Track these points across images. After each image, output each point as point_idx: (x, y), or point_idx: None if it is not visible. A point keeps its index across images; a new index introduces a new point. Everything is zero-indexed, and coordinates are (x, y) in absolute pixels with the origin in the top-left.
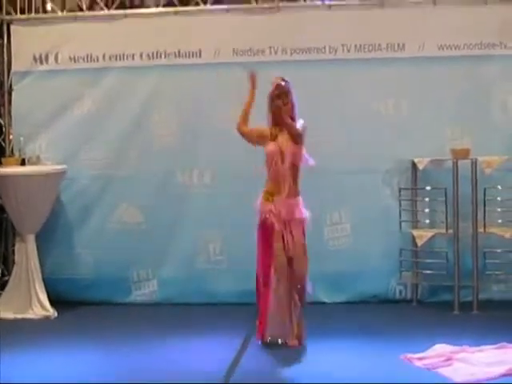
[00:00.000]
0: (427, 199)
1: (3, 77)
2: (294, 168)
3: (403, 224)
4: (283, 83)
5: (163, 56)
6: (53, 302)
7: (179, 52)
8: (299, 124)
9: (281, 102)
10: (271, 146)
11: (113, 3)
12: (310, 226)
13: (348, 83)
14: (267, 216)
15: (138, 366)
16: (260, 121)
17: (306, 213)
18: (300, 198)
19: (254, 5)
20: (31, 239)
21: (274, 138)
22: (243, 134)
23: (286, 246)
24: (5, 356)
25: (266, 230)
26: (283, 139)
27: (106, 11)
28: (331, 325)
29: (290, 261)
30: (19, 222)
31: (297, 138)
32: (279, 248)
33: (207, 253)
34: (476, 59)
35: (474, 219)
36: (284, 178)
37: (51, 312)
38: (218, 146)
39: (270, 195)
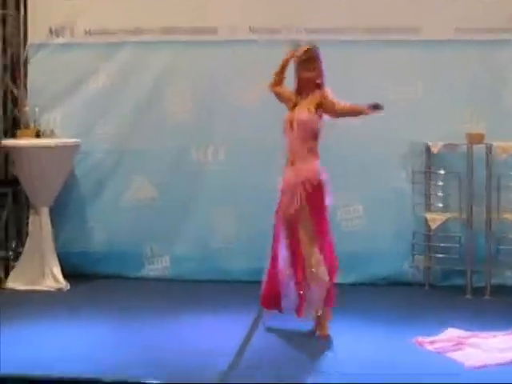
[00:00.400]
0: (441, 183)
1: (19, 49)
2: (306, 136)
3: (417, 207)
4: (312, 48)
5: (179, 32)
6: (66, 275)
7: (195, 28)
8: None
9: (307, 69)
10: (285, 116)
11: None
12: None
13: (363, 65)
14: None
15: (148, 341)
16: None
17: (321, 176)
18: (315, 163)
19: None
20: (45, 212)
21: (294, 105)
22: (275, 94)
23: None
24: (16, 327)
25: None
26: (301, 108)
27: None
28: (343, 306)
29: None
30: (33, 195)
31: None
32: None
33: (220, 230)
34: (490, 44)
35: (488, 204)
36: (293, 147)
37: (64, 284)
38: (232, 123)
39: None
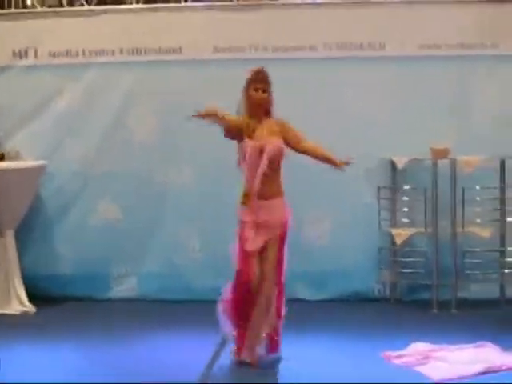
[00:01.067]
0: (406, 198)
1: None
2: (274, 166)
3: (382, 223)
4: (263, 69)
5: (143, 52)
6: (32, 298)
7: (160, 48)
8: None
9: (261, 90)
10: (250, 144)
11: None
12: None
13: (329, 82)
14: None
15: (116, 363)
16: None
17: (288, 215)
18: (283, 199)
19: (234, 2)
20: (10, 234)
21: (251, 132)
22: (230, 137)
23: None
24: None
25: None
26: (262, 134)
27: (86, 7)
28: (310, 322)
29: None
30: None
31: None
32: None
33: (186, 249)
34: (457, 59)
35: (453, 218)
36: (263, 177)
37: (29, 308)
38: (197, 143)
39: (246, 198)
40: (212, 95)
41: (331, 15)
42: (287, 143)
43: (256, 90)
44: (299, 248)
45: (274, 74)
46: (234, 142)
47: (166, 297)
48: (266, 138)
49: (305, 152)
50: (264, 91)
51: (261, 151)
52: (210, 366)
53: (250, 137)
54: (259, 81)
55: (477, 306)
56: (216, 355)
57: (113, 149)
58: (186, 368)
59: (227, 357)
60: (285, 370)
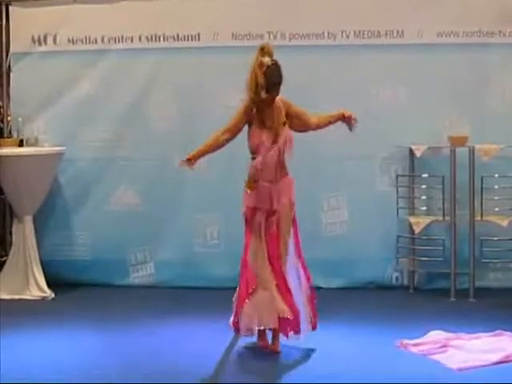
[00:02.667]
0: (424, 186)
1: (1, 58)
2: (281, 154)
3: (400, 211)
4: (279, 68)
5: (162, 39)
6: (50, 284)
7: (178, 35)
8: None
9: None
10: (261, 136)
11: None
12: (307, 212)
13: (347, 69)
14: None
15: (134, 348)
16: None
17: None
18: (289, 177)
19: None
20: (29, 220)
21: (259, 116)
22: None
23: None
24: (2, 336)
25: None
26: (273, 123)
27: None
28: (327, 310)
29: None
30: (17, 204)
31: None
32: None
33: (204, 236)
34: (475, 47)
35: (471, 207)
36: (275, 164)
37: (48, 293)
38: (215, 129)
39: (255, 183)
40: (230, 82)
41: (350, 3)
42: (296, 125)
43: (261, 64)
44: (317, 236)
45: (291, 61)
46: None
47: (183, 284)
48: (277, 128)
49: (317, 128)
50: (276, 92)
51: (273, 142)
52: (226, 356)
53: (258, 122)
54: (276, 84)
55: (495, 294)
56: (233, 343)
57: (131, 135)
58: (203, 356)
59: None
60: (300, 358)
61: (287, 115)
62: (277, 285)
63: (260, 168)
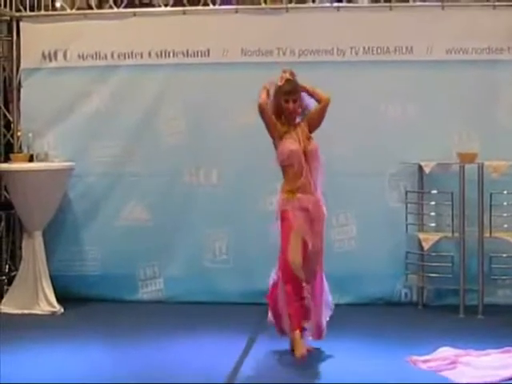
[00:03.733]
0: (433, 203)
1: (12, 73)
2: (314, 165)
3: (409, 227)
4: (293, 79)
5: (171, 55)
6: (59, 299)
7: (187, 51)
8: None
9: (292, 101)
10: (292, 145)
11: (122, 2)
12: None
13: (356, 85)
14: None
15: (142, 364)
16: None
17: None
18: (320, 193)
19: (262, 5)
20: (38, 235)
21: (282, 133)
22: (264, 112)
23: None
24: (10, 351)
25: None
26: (299, 136)
27: (115, 9)
28: (336, 326)
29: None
30: (27, 219)
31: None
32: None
33: (213, 252)
34: (484, 64)
35: (480, 223)
36: (307, 176)
37: (57, 308)
38: (225, 145)
39: (292, 193)
40: (240, 98)
41: (359, 19)
42: (314, 123)
43: (287, 101)
44: (326, 252)
45: (300, 77)
46: (265, 145)
47: (192, 299)
48: (305, 141)
49: (321, 110)
50: (294, 101)
51: (304, 153)
52: (235, 370)
53: (280, 138)
54: (289, 92)
55: (504, 311)
56: (242, 358)
57: (140, 150)
58: (212, 371)
59: (254, 359)
60: (308, 374)
61: (309, 124)
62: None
63: (294, 179)
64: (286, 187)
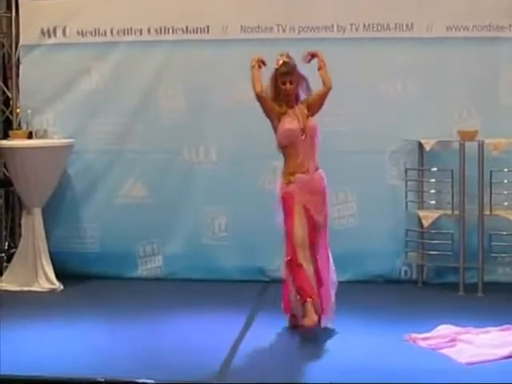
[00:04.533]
0: (433, 180)
1: (11, 50)
2: (313, 143)
3: (409, 204)
4: (289, 61)
5: (171, 31)
6: (59, 276)
7: (187, 28)
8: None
9: (288, 82)
10: (292, 124)
11: None
12: None
13: (356, 62)
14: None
15: (143, 341)
16: None
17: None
18: (320, 172)
19: None
20: (38, 212)
21: (280, 114)
22: (262, 99)
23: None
24: (9, 328)
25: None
26: (296, 116)
27: None
28: (336, 303)
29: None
30: (26, 196)
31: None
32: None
33: (212, 229)
34: (485, 41)
35: (481, 201)
36: (306, 153)
37: (57, 285)
38: (224, 122)
39: (292, 175)
40: (239, 75)
41: None
42: (315, 107)
43: (284, 83)
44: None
45: (300, 54)
46: (265, 123)
47: (191, 276)
48: (304, 120)
49: (327, 85)
50: (291, 82)
51: (302, 131)
52: (234, 349)
53: (279, 119)
54: (285, 74)
55: (503, 289)
56: (241, 335)
57: (140, 128)
58: (211, 348)
59: (253, 336)
60: (308, 352)
61: (309, 108)
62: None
63: (294, 158)
64: (286, 170)
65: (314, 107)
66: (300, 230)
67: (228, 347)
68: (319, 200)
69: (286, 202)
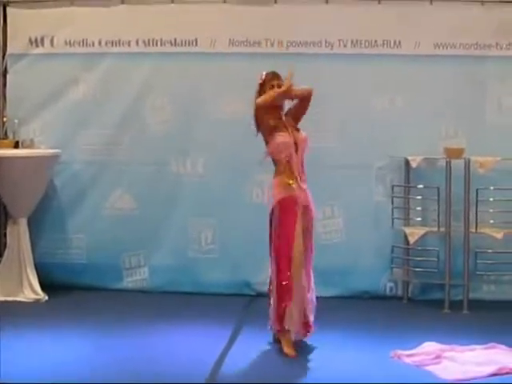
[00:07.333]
0: (420, 197)
1: None
2: (303, 155)
3: (395, 221)
4: (273, 74)
5: (159, 43)
6: (44, 286)
7: (175, 40)
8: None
9: (277, 86)
10: (284, 138)
11: None
12: None
13: (344, 78)
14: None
15: (127, 352)
16: None
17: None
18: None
19: None
20: (23, 222)
21: (272, 129)
22: (260, 113)
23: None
24: None
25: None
26: (288, 126)
27: None
28: (321, 319)
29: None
30: (12, 205)
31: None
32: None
33: (199, 242)
34: (472, 59)
35: (466, 219)
36: (297, 167)
37: (42, 296)
38: (211, 134)
39: (287, 184)
40: (227, 88)
41: (347, 12)
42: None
43: (273, 86)
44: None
45: (287, 69)
46: (252, 135)
47: (177, 289)
48: (294, 132)
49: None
50: (279, 86)
51: (295, 145)
52: (219, 362)
53: (270, 132)
54: (274, 77)
55: (488, 307)
56: (226, 350)
57: (127, 139)
58: (196, 362)
59: (238, 350)
60: (293, 367)
61: (294, 116)
62: None
63: (287, 171)
64: (278, 180)
65: (298, 114)
66: (299, 239)
67: (213, 360)
68: (310, 215)
69: (286, 205)
